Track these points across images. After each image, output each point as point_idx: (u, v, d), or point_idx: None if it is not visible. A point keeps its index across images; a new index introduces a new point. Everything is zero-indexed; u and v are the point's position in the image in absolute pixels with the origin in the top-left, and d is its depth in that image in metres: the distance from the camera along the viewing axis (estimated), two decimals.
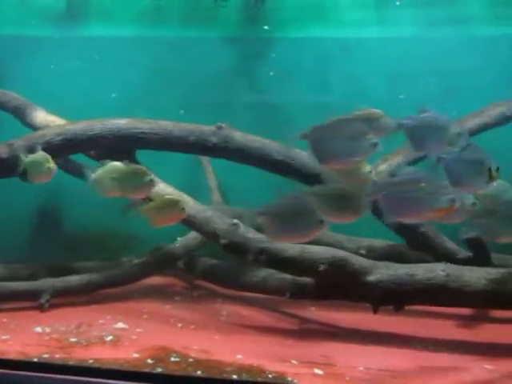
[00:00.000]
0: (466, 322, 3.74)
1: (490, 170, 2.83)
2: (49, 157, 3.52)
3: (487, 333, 3.55)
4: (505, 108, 4.09)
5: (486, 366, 2.91)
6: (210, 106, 4.63)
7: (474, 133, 4.08)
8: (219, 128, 3.72)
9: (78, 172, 4.00)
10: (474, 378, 2.78)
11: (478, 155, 2.85)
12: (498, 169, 2.85)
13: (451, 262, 3.57)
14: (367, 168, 3.10)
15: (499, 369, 2.88)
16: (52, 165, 3.52)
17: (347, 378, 2.72)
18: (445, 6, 4.57)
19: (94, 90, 4.69)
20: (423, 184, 2.68)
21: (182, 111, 4.37)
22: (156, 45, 4.77)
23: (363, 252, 4.23)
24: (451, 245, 3.79)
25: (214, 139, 3.71)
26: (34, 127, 4.09)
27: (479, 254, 3.75)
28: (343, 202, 2.83)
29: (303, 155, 3.76)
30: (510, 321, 3.64)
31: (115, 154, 3.78)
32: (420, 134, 2.87)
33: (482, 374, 2.82)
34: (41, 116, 4.09)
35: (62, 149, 3.72)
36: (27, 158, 3.56)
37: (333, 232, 4.27)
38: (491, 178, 2.86)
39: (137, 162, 3.84)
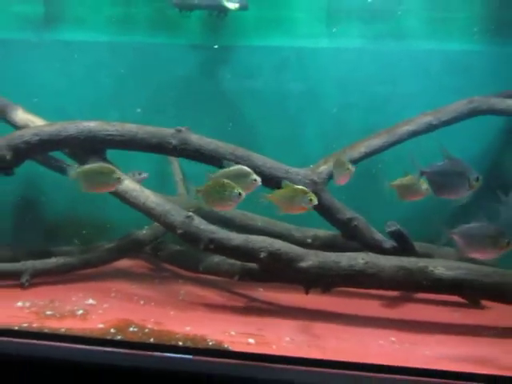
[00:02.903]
0: (391, 301, 4.34)
1: (469, 180, 3.36)
2: (113, 167, 3.73)
3: (405, 311, 4.16)
4: (432, 117, 4.62)
5: (391, 338, 3.54)
6: (173, 108, 5.14)
7: (404, 139, 4.65)
8: (178, 131, 4.22)
9: (57, 168, 4.72)
10: (376, 348, 3.38)
11: (460, 167, 3.38)
12: (477, 179, 3.38)
13: (379, 251, 4.19)
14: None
15: (401, 339, 3.50)
16: (120, 175, 3.69)
17: (274, 347, 3.31)
18: (388, 21, 5.10)
19: (68, 91, 5.15)
20: None
21: (139, 110, 4.84)
22: (125, 50, 5.24)
23: (309, 240, 4.81)
24: (379, 236, 4.37)
25: (174, 141, 4.20)
26: (14, 125, 4.55)
27: (403, 244, 4.34)
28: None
29: (256, 158, 4.28)
30: (429, 301, 4.24)
31: (87, 152, 4.29)
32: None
33: (385, 344, 3.44)
34: (20, 114, 4.53)
35: (39, 148, 4.21)
36: (81, 168, 3.70)
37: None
38: (471, 187, 3.38)
39: (107, 161, 4.34)
